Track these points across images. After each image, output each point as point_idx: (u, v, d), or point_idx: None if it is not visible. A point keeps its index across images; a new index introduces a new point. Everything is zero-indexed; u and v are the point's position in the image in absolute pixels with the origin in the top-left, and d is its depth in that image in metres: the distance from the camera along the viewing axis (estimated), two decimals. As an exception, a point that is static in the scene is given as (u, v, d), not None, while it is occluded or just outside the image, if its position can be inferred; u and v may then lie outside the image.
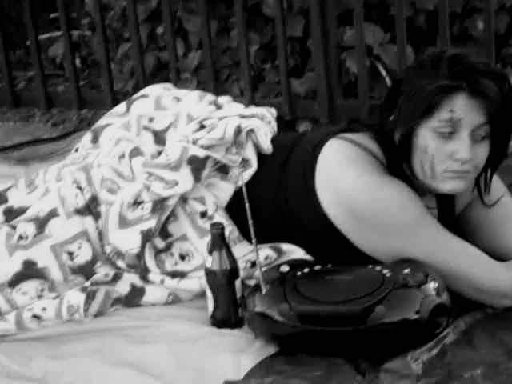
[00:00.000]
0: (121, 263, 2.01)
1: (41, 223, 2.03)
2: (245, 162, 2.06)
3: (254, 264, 2.00)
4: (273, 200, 2.01)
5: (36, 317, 1.96)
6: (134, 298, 2.01)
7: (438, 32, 2.90)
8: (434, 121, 1.83)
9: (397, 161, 1.92)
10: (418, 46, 3.07)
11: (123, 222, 2.00)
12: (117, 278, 2.01)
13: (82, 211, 2.03)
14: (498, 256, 1.95)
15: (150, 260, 2.01)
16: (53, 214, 2.03)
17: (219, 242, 1.91)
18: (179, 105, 2.22)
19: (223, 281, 1.91)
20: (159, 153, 2.09)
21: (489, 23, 2.84)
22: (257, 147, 2.08)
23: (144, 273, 2.02)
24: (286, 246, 2.02)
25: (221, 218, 2.02)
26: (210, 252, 1.92)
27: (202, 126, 2.10)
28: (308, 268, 1.90)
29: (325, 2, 2.99)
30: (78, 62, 3.81)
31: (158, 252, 2.03)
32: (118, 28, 3.54)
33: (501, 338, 1.82)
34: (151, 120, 2.17)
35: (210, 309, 1.94)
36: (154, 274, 2.02)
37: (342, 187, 1.91)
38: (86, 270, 2.00)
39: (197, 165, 2.02)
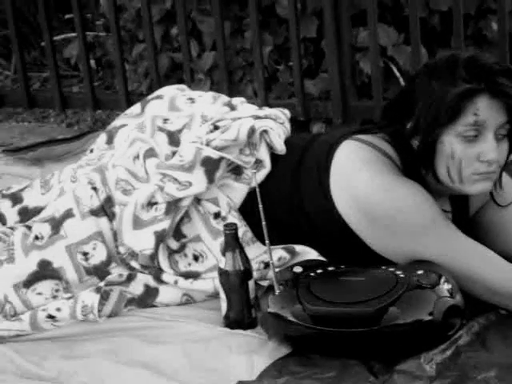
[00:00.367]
0: (135, 264, 2.02)
1: (56, 224, 2.04)
2: (258, 163, 2.06)
3: (267, 265, 2.00)
4: (286, 201, 2.02)
5: (50, 317, 1.97)
6: (147, 299, 2.02)
7: (452, 33, 2.89)
8: (458, 126, 1.84)
9: (414, 165, 1.92)
10: (432, 46, 3.07)
11: (137, 223, 2.01)
12: (131, 278, 2.01)
13: (97, 212, 2.04)
14: (511, 258, 1.95)
15: (163, 261, 2.02)
16: (68, 214, 2.04)
17: (233, 242, 1.92)
18: (193, 106, 2.22)
19: (236, 281, 1.92)
20: (173, 154, 2.09)
21: (503, 24, 2.84)
22: (270, 148, 2.08)
23: (158, 273, 2.02)
24: (299, 247, 2.02)
25: (234, 218, 2.02)
26: (224, 253, 1.93)
27: (216, 127, 2.10)
28: (321, 269, 1.90)
29: (339, 3, 2.99)
30: (92, 62, 3.83)
31: (171, 253, 2.04)
32: (133, 29, 3.55)
33: (514, 339, 1.82)
34: (165, 121, 2.18)
35: (224, 309, 1.94)
36: (168, 275, 2.02)
37: (356, 188, 1.91)
38: (101, 271, 2.01)
39: (210, 166, 2.02)
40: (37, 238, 2.03)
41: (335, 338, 1.79)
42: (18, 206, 2.19)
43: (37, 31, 3.86)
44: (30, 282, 1.99)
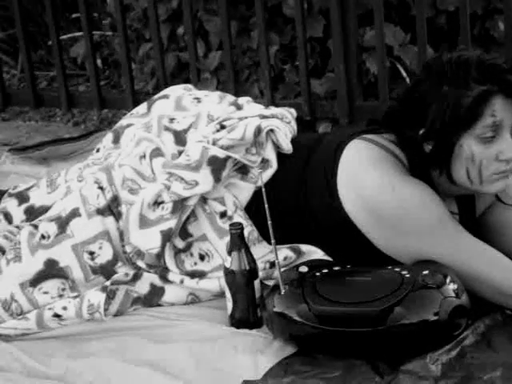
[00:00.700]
0: (140, 263, 2.02)
1: (62, 223, 2.04)
2: (265, 163, 2.06)
3: (273, 264, 2.00)
4: (293, 200, 2.02)
5: (57, 316, 1.97)
6: (153, 298, 2.02)
7: (459, 33, 2.89)
8: (477, 128, 1.85)
9: (424, 167, 1.92)
10: (439, 46, 3.06)
11: (144, 222, 2.01)
12: (137, 277, 2.02)
13: (103, 211, 2.04)
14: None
15: (169, 260, 2.02)
16: (74, 213, 2.05)
17: (238, 242, 1.92)
18: (199, 105, 2.22)
19: (242, 281, 1.92)
20: (180, 153, 2.10)
21: (509, 24, 2.83)
22: (277, 147, 2.08)
23: (163, 273, 2.03)
24: (305, 247, 2.02)
25: (240, 218, 2.02)
26: (229, 252, 1.93)
27: (222, 127, 2.11)
28: (327, 269, 1.90)
29: (345, 3, 2.99)
30: (99, 62, 3.83)
31: (177, 252, 2.04)
32: (139, 28, 3.55)
33: (520, 340, 1.81)
34: (172, 120, 2.18)
35: (229, 309, 1.94)
36: (174, 274, 2.02)
37: (363, 187, 1.91)
38: (107, 270, 2.02)
39: (217, 165, 2.02)
40: (43, 237, 2.04)
41: (340, 338, 1.79)
42: (25, 205, 2.19)
43: (44, 30, 3.86)
44: (36, 280, 2.00)
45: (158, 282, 2.03)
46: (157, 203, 2.02)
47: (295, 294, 1.84)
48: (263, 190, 1.88)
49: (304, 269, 1.90)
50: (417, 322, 1.76)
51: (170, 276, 2.03)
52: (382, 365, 1.78)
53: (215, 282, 2.01)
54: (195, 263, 2.04)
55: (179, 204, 2.01)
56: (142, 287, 2.02)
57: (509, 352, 1.78)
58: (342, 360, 1.79)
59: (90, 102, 3.53)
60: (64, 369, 1.85)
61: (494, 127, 1.85)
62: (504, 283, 1.87)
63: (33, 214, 2.17)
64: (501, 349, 1.79)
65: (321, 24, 3.14)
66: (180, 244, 2.04)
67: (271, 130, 2.08)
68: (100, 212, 2.04)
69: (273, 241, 1.86)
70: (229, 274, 1.93)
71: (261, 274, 1.97)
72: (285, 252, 2.00)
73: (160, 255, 2.01)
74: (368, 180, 1.92)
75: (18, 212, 2.19)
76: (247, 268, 1.92)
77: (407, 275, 1.83)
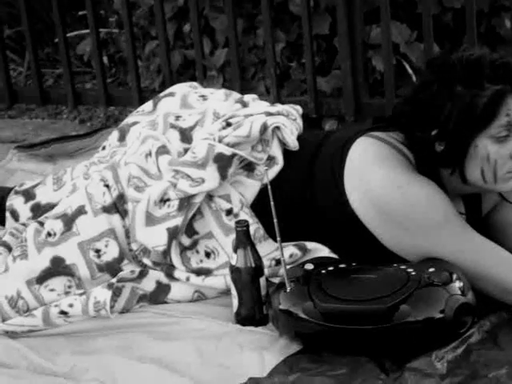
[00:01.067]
0: (146, 261, 2.03)
1: (68, 220, 2.04)
2: (271, 160, 2.06)
3: (278, 262, 2.00)
4: (299, 197, 2.02)
5: (63, 313, 1.97)
6: (159, 295, 2.03)
7: (465, 30, 2.89)
8: (492, 128, 1.85)
9: (434, 166, 1.92)
10: (445, 44, 3.06)
11: (150, 220, 2.01)
12: (143, 275, 2.02)
13: (109, 209, 2.05)
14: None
15: (175, 257, 2.02)
16: (80, 211, 2.05)
17: (244, 239, 1.92)
18: (205, 103, 2.23)
19: (248, 278, 1.92)
20: (185, 151, 2.10)
21: (516, 22, 2.83)
22: (283, 144, 2.08)
23: (169, 270, 2.03)
24: (310, 245, 2.02)
25: (246, 215, 2.03)
26: (235, 250, 1.93)
27: (228, 124, 2.11)
28: (333, 266, 1.91)
29: (351, 0, 2.99)
30: (105, 59, 3.83)
31: (183, 249, 2.04)
32: (146, 26, 3.55)
33: (526, 338, 1.81)
34: (178, 118, 2.18)
35: (235, 306, 1.95)
36: (180, 272, 2.03)
37: (371, 184, 1.92)
38: (113, 268, 2.02)
39: (223, 162, 2.02)
40: (49, 234, 2.04)
41: (346, 336, 1.79)
42: (31, 203, 2.20)
43: (50, 28, 3.86)
44: (42, 278, 2.00)
45: (163, 279, 2.03)
46: (163, 201, 2.02)
47: (301, 292, 1.84)
48: (269, 187, 1.88)
49: (310, 266, 1.90)
50: (422, 320, 1.76)
51: (176, 273, 2.03)
52: (388, 362, 1.78)
53: (221, 280, 2.02)
54: (201, 260, 2.04)
55: (185, 201, 2.01)
56: (148, 285, 2.02)
57: (514, 350, 1.78)
58: (347, 357, 1.79)
59: (97, 100, 3.53)
60: (70, 365, 1.85)
61: (509, 126, 1.85)
62: (510, 281, 1.87)
63: (39, 211, 2.17)
64: (506, 346, 1.79)
65: (327, 21, 3.13)
66: (186, 241, 2.04)
67: (277, 128, 2.08)
68: (106, 210, 2.05)
69: (278, 238, 1.87)
70: (234, 271, 1.93)
71: (266, 271, 1.97)
72: (290, 249, 2.01)
73: (166, 253, 2.01)
74: (375, 177, 1.92)
75: (24, 209, 2.20)
76: (253, 265, 1.92)
77: (413, 273, 1.83)
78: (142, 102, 2.98)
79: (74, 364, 1.86)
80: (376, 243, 1.96)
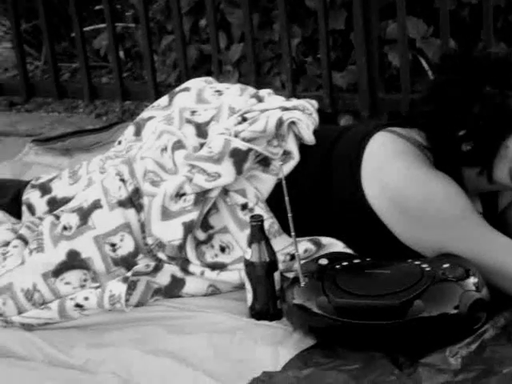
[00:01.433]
0: (161, 255, 2.03)
1: (84, 214, 2.05)
2: (286, 155, 2.06)
3: (293, 257, 2.01)
4: (315, 191, 2.02)
5: (78, 306, 1.99)
6: (174, 289, 2.03)
7: (482, 26, 2.88)
8: None
9: (459, 165, 1.92)
10: (462, 39, 3.05)
11: (166, 214, 2.02)
12: (157, 269, 2.03)
13: (125, 203, 2.05)
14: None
15: (190, 252, 2.03)
16: (96, 205, 2.06)
17: (258, 234, 1.93)
18: (221, 98, 2.23)
19: (262, 273, 1.92)
20: (201, 146, 2.10)
21: (533, 17, 2.82)
22: (299, 139, 2.08)
23: (184, 264, 2.04)
24: (325, 240, 2.02)
25: (261, 210, 2.03)
26: (250, 244, 1.94)
27: (244, 119, 2.11)
28: (347, 261, 1.91)
29: (367, -5, 2.99)
30: (121, 53, 3.84)
31: (198, 244, 2.05)
32: (162, 20, 3.56)
33: (540, 334, 1.81)
34: (193, 113, 2.19)
35: (249, 300, 1.95)
36: (194, 266, 2.03)
37: (388, 178, 1.92)
38: (128, 262, 2.03)
39: (239, 157, 2.03)
40: (65, 228, 2.05)
41: (360, 331, 1.79)
42: (47, 197, 2.21)
43: (67, 22, 3.87)
44: (58, 271, 2.01)
45: (178, 273, 2.04)
46: (179, 195, 2.03)
47: (315, 287, 1.84)
48: (283, 182, 1.89)
49: (324, 261, 1.91)
50: (436, 316, 1.76)
51: (191, 268, 2.03)
52: (402, 358, 1.78)
53: (236, 274, 2.02)
54: (216, 255, 2.05)
55: (201, 196, 2.02)
56: (163, 279, 2.03)
57: (529, 346, 1.78)
58: (361, 352, 1.79)
59: (113, 94, 3.54)
60: (85, 358, 1.86)
61: None
62: (525, 278, 1.87)
63: (55, 205, 2.18)
64: (521, 343, 1.79)
65: (343, 16, 3.13)
66: (201, 236, 2.05)
67: (293, 122, 2.08)
68: (121, 204, 2.05)
69: (293, 233, 1.87)
70: (249, 265, 1.93)
71: (281, 266, 1.98)
72: (305, 244, 2.01)
73: (182, 247, 2.02)
74: (393, 172, 1.92)
75: (40, 203, 2.21)
76: (267, 260, 1.92)
77: (427, 268, 1.83)
78: (157, 96, 2.99)
79: (89, 357, 1.87)
80: (391, 238, 1.96)
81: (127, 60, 3.96)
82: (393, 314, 1.76)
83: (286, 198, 1.87)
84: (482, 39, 2.96)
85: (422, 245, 1.93)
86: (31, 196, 2.22)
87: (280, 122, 2.07)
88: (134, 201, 2.06)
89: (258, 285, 1.93)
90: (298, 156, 2.06)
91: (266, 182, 2.06)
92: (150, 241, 2.04)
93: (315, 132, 2.10)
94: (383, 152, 1.96)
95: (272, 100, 2.21)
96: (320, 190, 2.02)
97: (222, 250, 2.05)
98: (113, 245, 2.03)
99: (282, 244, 2.02)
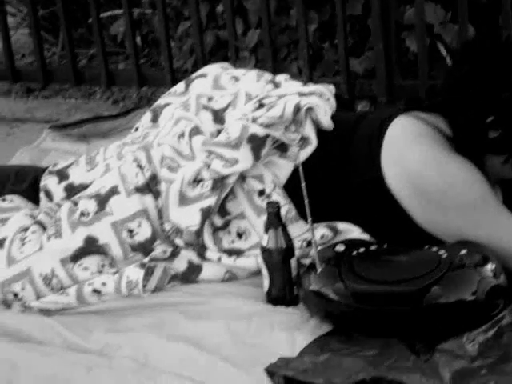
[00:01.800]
0: (179, 241, 2.04)
1: (102, 200, 2.06)
2: (304, 140, 2.06)
3: (309, 243, 2.01)
4: (333, 176, 2.02)
5: (96, 291, 2.00)
6: (190, 275, 2.04)
7: (501, 11, 2.86)
8: None
9: (484, 152, 1.92)
10: (480, 25, 3.03)
11: (183, 200, 2.02)
12: (174, 255, 2.03)
13: (142, 189, 2.06)
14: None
15: (207, 237, 2.03)
16: (113, 191, 2.06)
17: (275, 220, 1.93)
18: (237, 84, 2.23)
19: (279, 259, 1.93)
20: (218, 132, 2.10)
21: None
22: (317, 125, 2.08)
23: (201, 250, 2.04)
24: (342, 225, 2.02)
25: (278, 196, 2.03)
26: (266, 230, 1.94)
27: (261, 105, 2.11)
28: (364, 248, 1.91)
29: (385, -19, 2.97)
30: (138, 40, 3.84)
31: (215, 230, 2.05)
32: (179, 6, 3.56)
33: (558, 321, 1.80)
34: (210, 99, 2.19)
35: (266, 286, 1.95)
36: (211, 252, 2.04)
37: (408, 161, 1.91)
38: (145, 248, 2.03)
39: (257, 143, 2.02)
40: (83, 214, 2.06)
41: (376, 317, 1.79)
42: (64, 183, 2.21)
43: (84, 8, 3.88)
44: (76, 257, 2.02)
45: (195, 259, 2.04)
46: (196, 181, 2.03)
47: (331, 273, 1.84)
48: (300, 168, 1.89)
49: (341, 247, 1.91)
50: (454, 302, 1.76)
51: (208, 254, 2.04)
52: (418, 344, 1.78)
53: (252, 260, 2.03)
54: (233, 241, 2.05)
55: (219, 182, 2.02)
56: (180, 265, 2.04)
57: (546, 333, 1.77)
58: (377, 338, 1.79)
59: (130, 80, 3.55)
60: (103, 343, 1.87)
61: None
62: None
63: (73, 191, 2.19)
64: (538, 329, 1.78)
65: (360, 2, 3.12)
66: (218, 222, 2.05)
67: (310, 108, 2.08)
68: (139, 190, 2.06)
69: (309, 219, 1.87)
70: (265, 252, 1.94)
71: (297, 252, 1.98)
72: (322, 230, 2.01)
73: (199, 233, 2.02)
74: (414, 154, 1.92)
75: (58, 189, 2.22)
76: (283, 246, 1.93)
77: (445, 255, 1.83)
78: (174, 82, 2.99)
79: (106, 341, 1.88)
80: (408, 221, 1.95)
81: (144, 46, 3.96)
82: (410, 300, 1.76)
83: (303, 184, 1.87)
84: (500, 25, 2.94)
85: (440, 228, 1.92)
86: (49, 182, 2.23)
87: (297, 108, 2.06)
88: (151, 187, 2.06)
89: (275, 271, 1.93)
90: (316, 142, 2.06)
91: (283, 168, 2.06)
92: (167, 227, 2.04)
93: (333, 117, 2.09)
94: (404, 134, 1.96)
95: (289, 85, 2.21)
96: (338, 174, 2.02)
97: (239, 236, 2.05)
98: (130, 231, 2.03)
99: (299, 230, 2.02)
